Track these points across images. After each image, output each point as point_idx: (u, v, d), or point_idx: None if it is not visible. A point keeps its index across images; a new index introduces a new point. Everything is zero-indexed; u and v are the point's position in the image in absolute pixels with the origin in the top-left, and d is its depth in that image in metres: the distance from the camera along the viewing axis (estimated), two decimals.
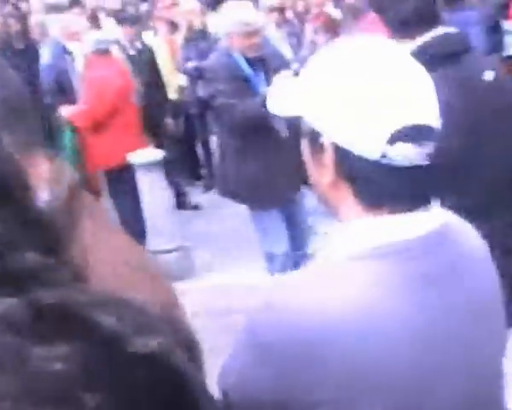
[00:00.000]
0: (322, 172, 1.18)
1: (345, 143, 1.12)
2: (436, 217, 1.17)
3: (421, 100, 1.12)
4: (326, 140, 1.14)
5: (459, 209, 1.30)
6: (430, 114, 1.13)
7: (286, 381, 1.07)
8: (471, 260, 1.21)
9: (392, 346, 1.07)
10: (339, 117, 1.12)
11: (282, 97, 1.26)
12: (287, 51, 6.46)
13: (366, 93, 1.10)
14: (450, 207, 1.26)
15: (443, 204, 1.23)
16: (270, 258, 4.43)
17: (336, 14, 7.16)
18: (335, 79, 1.14)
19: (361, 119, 1.10)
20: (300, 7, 8.37)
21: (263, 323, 1.10)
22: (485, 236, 1.30)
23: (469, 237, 1.26)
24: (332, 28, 6.35)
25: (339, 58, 1.16)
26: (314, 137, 1.17)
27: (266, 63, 4.29)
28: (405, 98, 1.11)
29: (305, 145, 1.22)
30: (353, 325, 1.06)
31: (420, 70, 1.16)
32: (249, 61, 4.25)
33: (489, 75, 2.26)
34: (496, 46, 5.89)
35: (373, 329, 1.07)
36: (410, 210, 1.14)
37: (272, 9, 7.57)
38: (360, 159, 1.11)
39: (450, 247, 1.17)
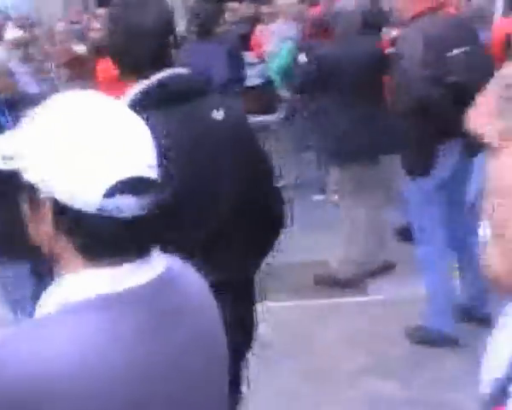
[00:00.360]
0: (41, 225, 1.17)
1: (62, 198, 1.12)
2: (156, 265, 1.20)
3: (137, 152, 1.14)
4: (43, 193, 1.13)
5: (182, 249, 1.33)
6: (147, 166, 1.15)
7: None
8: (191, 302, 1.25)
9: (107, 396, 1.08)
10: (54, 171, 1.11)
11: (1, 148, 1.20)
12: (33, 89, 6.33)
13: (80, 148, 1.11)
14: (175, 250, 1.28)
15: (168, 248, 1.26)
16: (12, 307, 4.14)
17: (81, 50, 7.18)
18: (50, 134, 1.13)
19: (76, 173, 1.10)
20: (45, 42, 8.23)
21: None
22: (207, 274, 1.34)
23: (190, 280, 1.29)
24: (75, 65, 6.38)
25: (55, 112, 1.16)
26: (32, 190, 1.15)
27: (15, 104, 3.99)
28: (121, 152, 1.12)
29: (23, 198, 1.20)
30: (66, 376, 1.05)
31: (136, 122, 1.18)
32: None
33: (219, 114, 2.28)
34: (237, 78, 6.18)
35: (84, 379, 1.06)
36: (130, 261, 1.15)
37: (15, 44, 7.34)
38: (78, 212, 1.11)
39: (169, 293, 1.20)
